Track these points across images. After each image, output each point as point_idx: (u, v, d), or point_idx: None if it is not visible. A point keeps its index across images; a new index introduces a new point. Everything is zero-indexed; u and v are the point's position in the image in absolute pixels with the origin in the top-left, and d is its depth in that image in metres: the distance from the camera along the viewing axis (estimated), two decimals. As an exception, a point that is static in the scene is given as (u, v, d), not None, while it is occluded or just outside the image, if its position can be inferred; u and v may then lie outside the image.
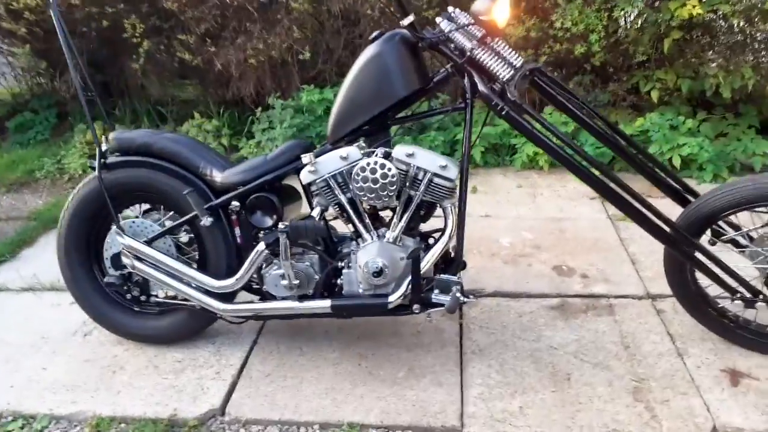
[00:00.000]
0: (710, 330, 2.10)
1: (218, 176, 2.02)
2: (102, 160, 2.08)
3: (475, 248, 2.85)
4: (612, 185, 1.83)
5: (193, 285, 2.04)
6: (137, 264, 2.05)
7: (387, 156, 1.89)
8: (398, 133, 2.15)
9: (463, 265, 2.18)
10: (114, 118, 4.50)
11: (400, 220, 1.93)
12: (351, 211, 1.93)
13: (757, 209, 1.83)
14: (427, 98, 2.03)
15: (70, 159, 4.09)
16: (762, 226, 1.92)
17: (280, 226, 1.90)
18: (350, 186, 1.88)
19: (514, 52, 1.91)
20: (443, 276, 1.95)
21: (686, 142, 3.44)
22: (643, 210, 1.84)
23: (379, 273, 1.90)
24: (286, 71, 3.81)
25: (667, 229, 1.86)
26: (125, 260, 2.08)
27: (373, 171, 1.85)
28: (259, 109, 3.88)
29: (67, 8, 3.62)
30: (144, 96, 4.35)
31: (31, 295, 2.64)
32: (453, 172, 1.87)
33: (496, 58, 1.83)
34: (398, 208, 1.92)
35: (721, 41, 3.42)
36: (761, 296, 1.88)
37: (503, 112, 1.78)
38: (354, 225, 1.96)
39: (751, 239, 1.93)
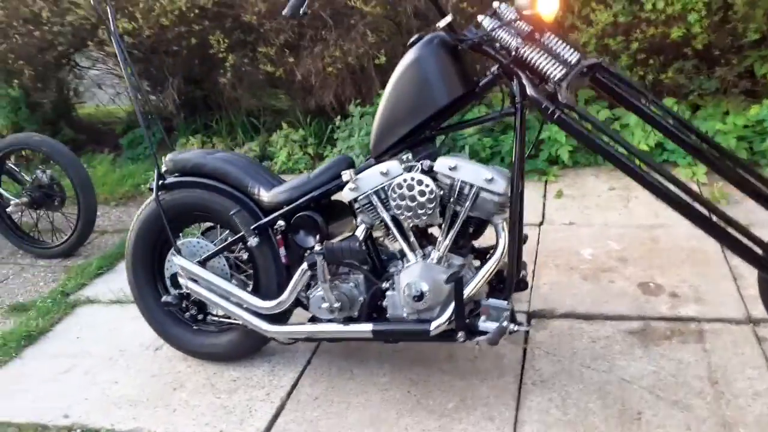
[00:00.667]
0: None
1: (265, 195, 2.01)
2: (160, 182, 2.14)
3: (552, 261, 2.63)
4: (677, 191, 1.57)
5: (243, 305, 2.05)
6: (190, 284, 2.10)
7: (430, 169, 1.77)
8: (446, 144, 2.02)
9: (524, 286, 2.02)
10: (212, 131, 4.73)
11: (445, 239, 1.80)
12: (395, 229, 1.84)
13: None
14: (475, 104, 1.89)
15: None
16: None
17: (316, 247, 1.85)
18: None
19: (569, 47, 1.71)
20: (491, 301, 1.80)
21: (812, 132, 2.95)
22: (721, 223, 1.57)
23: (420, 297, 1.79)
24: (366, 77, 3.77)
25: (755, 248, 1.57)
26: (180, 280, 2.13)
27: (410, 188, 1.75)
28: (339, 117, 3.87)
29: (159, 29, 3.83)
30: (237, 108, 4.51)
31: (118, 308, 2.82)
32: (500, 185, 1.71)
33: (546, 55, 1.64)
34: (444, 225, 1.80)
35: None
36: None
37: (554, 116, 1.60)
38: (399, 243, 1.87)
39: None
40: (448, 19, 1.69)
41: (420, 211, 1.75)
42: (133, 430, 2.01)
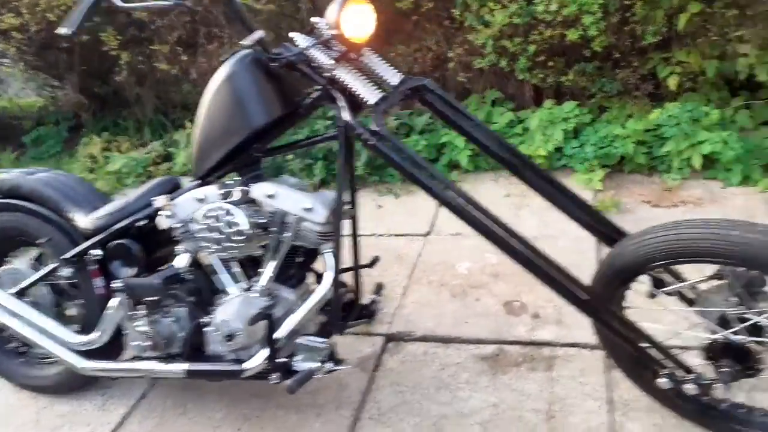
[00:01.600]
0: (656, 400, 1.66)
1: (82, 221, 1.84)
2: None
3: (427, 276, 2.52)
4: (488, 222, 1.45)
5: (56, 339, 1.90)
6: None
7: (245, 196, 1.63)
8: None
9: (369, 314, 1.91)
10: (120, 128, 4.53)
11: (268, 271, 1.67)
12: (215, 259, 1.70)
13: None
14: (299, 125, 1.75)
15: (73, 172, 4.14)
16: (703, 280, 1.45)
17: (116, 283, 1.70)
18: None
19: (389, 66, 1.58)
20: (306, 339, 1.67)
21: (708, 137, 2.85)
22: (531, 257, 1.45)
23: (230, 337, 1.65)
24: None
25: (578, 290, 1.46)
26: (-5, 310, 1.97)
27: (216, 219, 1.60)
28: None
29: (47, 25, 3.61)
30: (142, 106, 4.31)
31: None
32: (320, 215, 1.58)
33: (362, 78, 1.51)
34: (267, 255, 1.67)
35: (754, 13, 2.77)
36: (693, 375, 1.42)
37: (368, 143, 1.47)
38: (210, 277, 1.73)
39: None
40: (257, 35, 1.51)
41: (227, 245, 1.61)
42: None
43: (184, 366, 1.74)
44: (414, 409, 1.85)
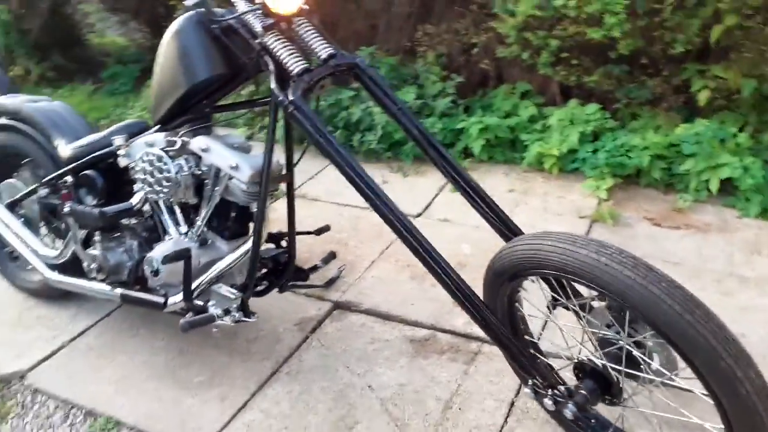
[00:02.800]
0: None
1: (62, 149, 2.04)
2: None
3: (396, 255, 2.56)
4: (376, 196, 1.46)
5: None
6: (-8, 221, 2.20)
7: (185, 146, 1.75)
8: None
9: (304, 277, 2.01)
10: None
11: (199, 219, 1.80)
12: (159, 202, 1.85)
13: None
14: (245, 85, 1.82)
15: (133, 112, 4.47)
16: (590, 298, 1.42)
17: (65, 208, 1.88)
18: None
19: (323, 42, 1.62)
20: (222, 288, 1.79)
21: (729, 161, 2.67)
22: (411, 235, 1.47)
23: (155, 273, 1.80)
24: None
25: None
26: (-9, 217, 2.23)
27: (151, 163, 1.74)
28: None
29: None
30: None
31: None
32: (245, 174, 1.68)
33: (289, 48, 1.56)
34: (203, 204, 1.79)
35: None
36: (558, 390, 1.40)
37: (287, 111, 1.52)
38: (159, 218, 1.88)
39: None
40: None
41: (158, 188, 1.75)
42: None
43: (120, 290, 1.92)
44: (329, 374, 1.94)
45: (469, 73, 3.45)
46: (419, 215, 2.90)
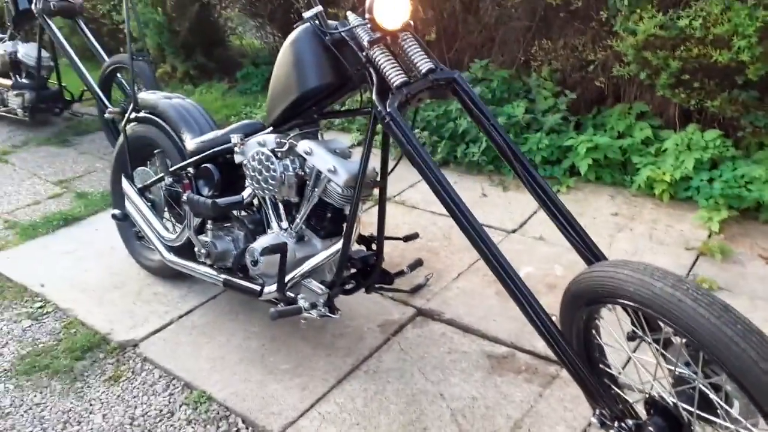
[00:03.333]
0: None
1: (188, 143, 2.27)
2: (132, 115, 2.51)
3: (486, 269, 2.55)
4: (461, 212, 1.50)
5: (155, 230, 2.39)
6: (127, 203, 2.48)
7: (292, 148, 1.90)
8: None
9: (389, 280, 2.09)
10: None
11: (298, 217, 1.94)
12: (265, 198, 2.01)
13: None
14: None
15: (260, 111, 4.79)
16: (667, 334, 1.37)
17: (183, 197, 2.09)
18: None
19: (424, 56, 1.68)
20: (312, 283, 1.91)
21: None
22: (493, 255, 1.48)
23: (255, 263, 1.96)
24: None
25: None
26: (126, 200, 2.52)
27: (260, 162, 1.90)
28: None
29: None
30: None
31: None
32: (342, 177, 1.79)
33: (392, 61, 1.64)
34: (303, 203, 1.93)
35: None
36: (625, 424, 1.36)
37: (384, 121, 1.61)
38: (265, 212, 2.04)
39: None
40: (315, 10, 1.74)
41: (265, 185, 1.90)
42: (70, 309, 2.49)
43: (224, 276, 2.10)
44: (404, 377, 2.00)
45: (583, 91, 3.38)
46: (514, 231, 2.89)
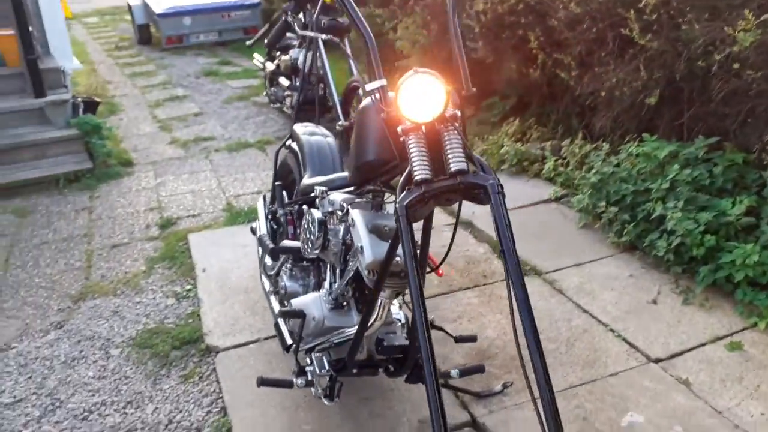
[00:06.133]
0: None
1: (304, 180, 2.36)
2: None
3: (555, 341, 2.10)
4: None
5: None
6: (254, 225, 2.68)
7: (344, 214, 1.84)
8: None
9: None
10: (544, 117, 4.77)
11: (336, 282, 1.88)
12: (328, 256, 1.99)
13: None
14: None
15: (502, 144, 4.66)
16: None
17: (256, 233, 2.17)
18: None
19: (459, 153, 1.43)
20: (322, 359, 1.82)
21: None
22: None
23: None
24: (634, 113, 3.21)
25: None
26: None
27: (307, 222, 1.89)
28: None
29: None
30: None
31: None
32: (366, 260, 1.67)
33: (422, 153, 1.43)
34: (346, 272, 1.87)
35: None
36: None
37: (396, 214, 1.44)
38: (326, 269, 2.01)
39: None
40: (377, 84, 1.59)
41: (307, 246, 1.88)
42: (202, 300, 2.84)
43: (278, 310, 2.12)
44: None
45: None
46: (658, 361, 2.28)
